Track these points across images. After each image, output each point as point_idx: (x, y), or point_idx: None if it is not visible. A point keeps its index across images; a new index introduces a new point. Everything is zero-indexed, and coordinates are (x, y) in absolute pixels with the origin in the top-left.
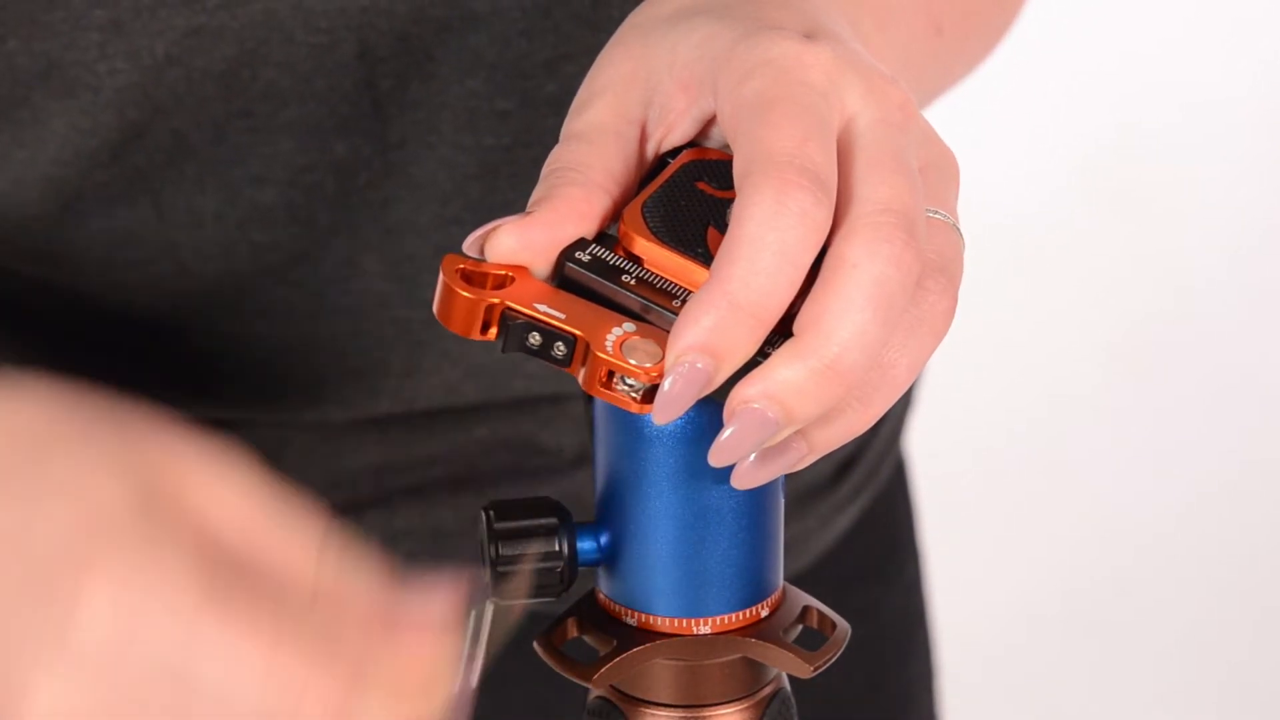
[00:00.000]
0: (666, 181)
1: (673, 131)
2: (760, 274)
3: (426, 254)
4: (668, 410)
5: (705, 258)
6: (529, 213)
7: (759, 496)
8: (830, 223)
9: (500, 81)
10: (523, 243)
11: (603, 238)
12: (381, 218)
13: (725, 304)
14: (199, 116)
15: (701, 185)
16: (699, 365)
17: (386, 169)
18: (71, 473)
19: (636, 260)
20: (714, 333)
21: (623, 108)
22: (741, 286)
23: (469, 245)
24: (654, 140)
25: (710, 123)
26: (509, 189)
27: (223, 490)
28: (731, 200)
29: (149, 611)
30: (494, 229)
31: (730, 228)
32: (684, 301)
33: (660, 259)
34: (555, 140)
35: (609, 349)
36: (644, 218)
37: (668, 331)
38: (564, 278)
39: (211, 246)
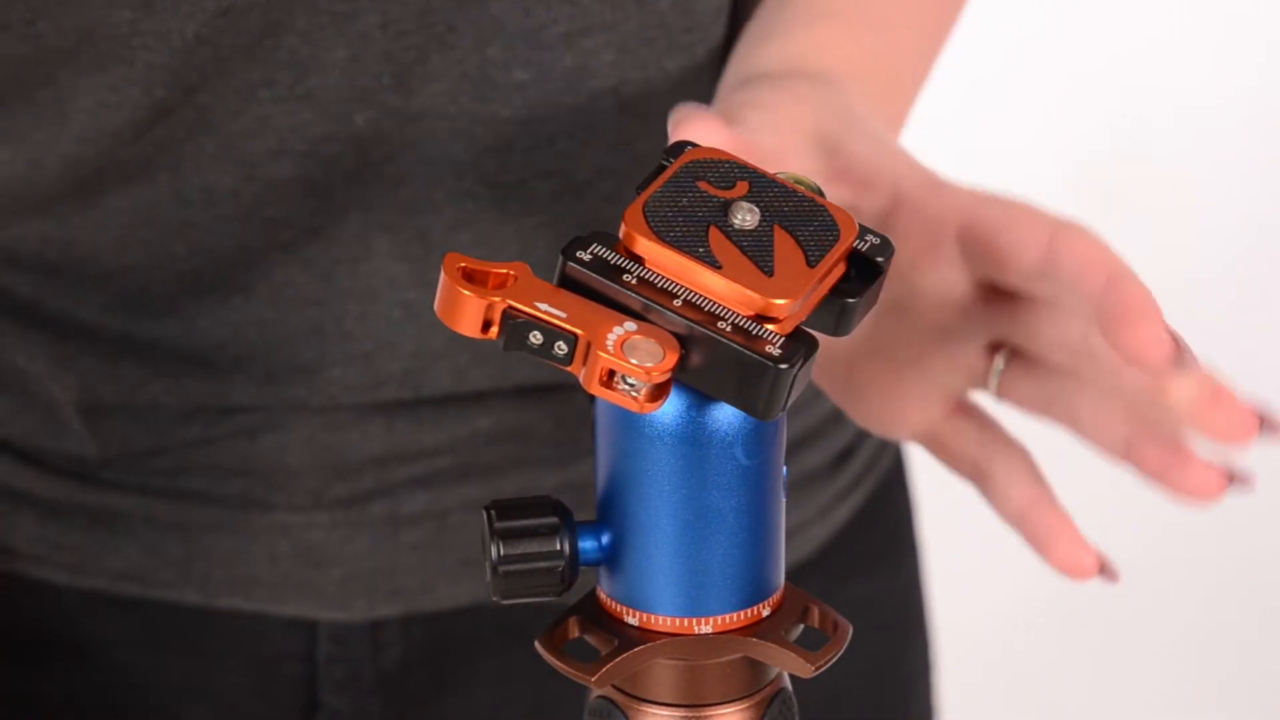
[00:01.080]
0: (667, 181)
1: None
2: None
3: (439, 231)
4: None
5: (707, 257)
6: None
7: (760, 496)
8: None
9: (518, 51)
10: (716, 140)
11: (604, 237)
12: (396, 193)
13: None
14: (223, 90)
15: (702, 185)
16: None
17: (404, 142)
18: None
19: (638, 260)
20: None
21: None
22: None
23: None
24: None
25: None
26: (523, 164)
27: None
28: (733, 200)
29: None
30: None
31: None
32: (685, 301)
33: (662, 259)
34: (569, 114)
35: (610, 348)
36: (645, 217)
37: (669, 331)
38: (565, 277)
39: (226, 223)
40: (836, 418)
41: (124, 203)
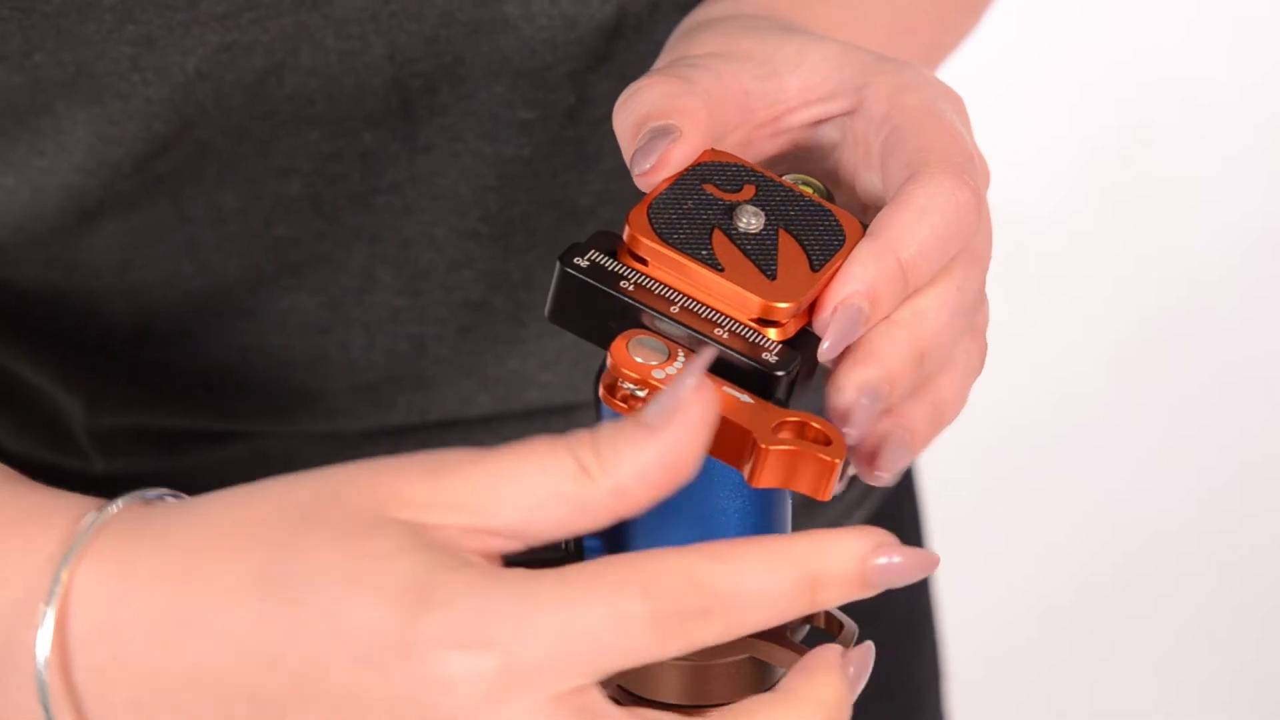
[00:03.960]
0: (675, 182)
1: (782, 119)
2: (922, 243)
3: (440, 270)
4: (836, 346)
5: (709, 259)
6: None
7: (766, 496)
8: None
9: (524, 90)
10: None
11: (604, 240)
12: (401, 227)
13: (892, 261)
14: (224, 124)
15: (709, 188)
16: (861, 307)
17: (412, 175)
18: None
19: (640, 262)
20: (877, 281)
21: (735, 76)
22: (906, 249)
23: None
24: (757, 114)
25: (797, 129)
26: (526, 201)
27: None
28: (738, 203)
29: None
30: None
31: (904, 197)
32: (683, 308)
33: (664, 260)
34: (572, 153)
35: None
36: (650, 218)
37: (667, 338)
38: (561, 284)
39: (233, 242)
40: None
41: (124, 225)
